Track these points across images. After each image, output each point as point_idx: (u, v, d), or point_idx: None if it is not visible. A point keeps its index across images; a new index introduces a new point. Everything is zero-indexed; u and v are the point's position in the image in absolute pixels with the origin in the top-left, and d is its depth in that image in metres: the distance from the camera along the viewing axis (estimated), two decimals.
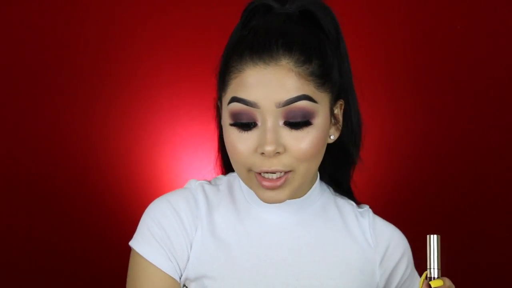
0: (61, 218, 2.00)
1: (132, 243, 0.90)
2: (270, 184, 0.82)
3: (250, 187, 0.87)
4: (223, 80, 0.86)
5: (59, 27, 1.96)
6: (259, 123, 0.82)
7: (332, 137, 0.90)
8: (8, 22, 1.95)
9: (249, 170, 0.84)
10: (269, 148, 0.80)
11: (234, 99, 0.83)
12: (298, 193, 0.91)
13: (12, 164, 1.99)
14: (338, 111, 0.90)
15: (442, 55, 1.98)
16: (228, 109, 0.84)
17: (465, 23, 1.96)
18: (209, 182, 0.95)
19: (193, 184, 0.93)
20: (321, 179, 0.96)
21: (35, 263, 2.02)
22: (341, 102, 0.90)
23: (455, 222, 2.04)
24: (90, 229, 2.00)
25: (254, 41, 0.84)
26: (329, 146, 0.92)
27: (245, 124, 0.83)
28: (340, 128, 0.91)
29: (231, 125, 0.84)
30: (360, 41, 1.97)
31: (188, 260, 0.89)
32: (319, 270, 0.89)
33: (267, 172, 0.82)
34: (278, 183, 0.82)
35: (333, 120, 0.89)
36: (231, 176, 0.96)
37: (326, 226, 0.92)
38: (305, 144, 0.82)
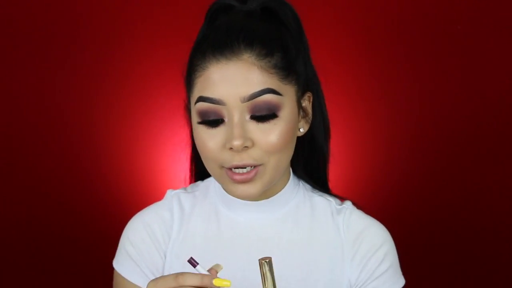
0: (60, 217, 2.01)
1: (114, 263, 0.95)
2: (241, 178, 0.83)
3: (223, 184, 0.87)
4: (189, 81, 0.87)
5: (59, 27, 1.96)
6: (226, 119, 0.83)
7: (301, 130, 0.90)
8: (8, 22, 1.95)
9: (221, 167, 0.85)
10: (236, 143, 0.81)
11: (200, 99, 0.84)
12: (271, 191, 0.91)
13: (11, 164, 1.99)
14: (306, 104, 0.91)
15: (441, 54, 1.98)
16: (195, 108, 0.85)
17: (465, 23, 1.97)
18: (186, 189, 0.99)
19: (169, 195, 0.97)
20: (297, 176, 0.96)
21: (34, 263, 2.02)
22: (308, 94, 0.91)
23: (454, 222, 2.04)
24: (89, 229, 2.00)
25: (215, 39, 0.85)
26: (301, 141, 0.93)
27: (213, 121, 0.84)
28: (310, 121, 0.92)
29: (199, 123, 0.85)
30: (358, 41, 1.98)
31: (163, 269, 0.92)
32: (287, 271, 0.89)
33: (237, 167, 0.83)
34: (249, 175, 0.83)
35: (302, 113, 0.90)
36: (207, 181, 0.98)
37: (297, 227, 0.92)
38: (273, 136, 0.83)
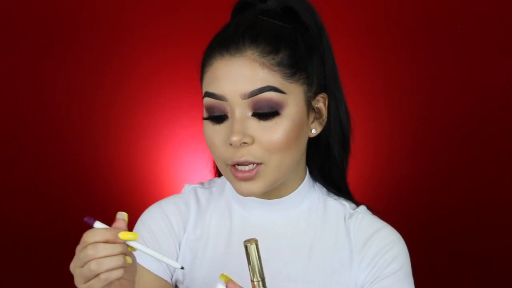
0: (61, 217, 2.01)
1: None
2: (243, 175, 0.83)
3: (229, 181, 0.87)
4: (201, 77, 0.88)
5: (59, 27, 1.96)
6: (229, 115, 0.83)
7: (314, 131, 0.89)
8: (8, 22, 1.95)
9: (226, 164, 0.84)
10: (234, 138, 0.81)
11: (206, 94, 0.84)
12: (285, 190, 0.91)
13: (11, 164, 1.99)
14: (321, 105, 0.89)
15: (441, 55, 1.98)
16: (203, 104, 0.86)
17: (465, 23, 1.96)
18: (203, 185, 0.99)
19: (187, 189, 0.97)
20: (314, 178, 0.95)
21: (34, 263, 2.02)
22: (323, 95, 0.89)
23: (455, 222, 2.04)
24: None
25: (223, 35, 0.85)
26: (317, 144, 0.92)
27: (217, 117, 0.84)
28: (324, 123, 0.90)
29: (205, 119, 0.85)
30: (359, 41, 1.98)
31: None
32: (296, 272, 0.88)
33: (238, 164, 0.83)
34: (251, 174, 0.83)
35: (315, 114, 0.88)
36: (224, 178, 0.97)
37: (309, 228, 0.91)
38: (274, 134, 0.82)
